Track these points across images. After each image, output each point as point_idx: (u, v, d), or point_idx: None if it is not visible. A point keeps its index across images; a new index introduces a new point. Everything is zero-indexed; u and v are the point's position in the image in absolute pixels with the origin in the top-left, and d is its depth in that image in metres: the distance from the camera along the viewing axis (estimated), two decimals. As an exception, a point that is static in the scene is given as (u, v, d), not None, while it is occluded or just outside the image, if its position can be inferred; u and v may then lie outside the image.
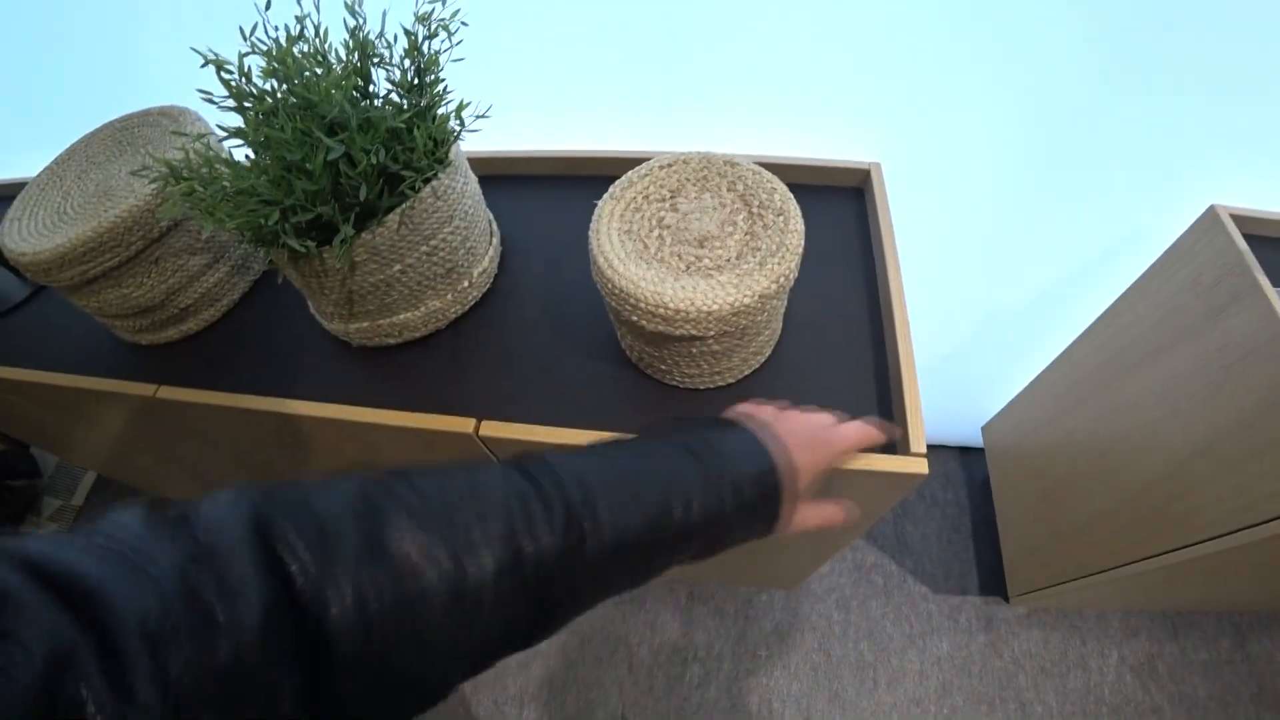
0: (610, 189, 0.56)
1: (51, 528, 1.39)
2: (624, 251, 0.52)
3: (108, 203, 0.65)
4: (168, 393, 0.66)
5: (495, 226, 0.70)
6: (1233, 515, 0.70)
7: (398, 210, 0.53)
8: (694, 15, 0.68)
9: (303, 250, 0.48)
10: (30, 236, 0.66)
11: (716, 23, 0.69)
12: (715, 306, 0.47)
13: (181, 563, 0.23)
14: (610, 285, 0.50)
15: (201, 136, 0.57)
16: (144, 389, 0.67)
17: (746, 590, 1.24)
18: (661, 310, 0.48)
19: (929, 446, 1.33)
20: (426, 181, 0.54)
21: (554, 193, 0.78)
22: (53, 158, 0.73)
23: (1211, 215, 0.75)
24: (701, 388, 0.59)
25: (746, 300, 0.47)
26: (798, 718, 1.11)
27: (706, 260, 0.51)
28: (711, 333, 0.49)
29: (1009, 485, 1.18)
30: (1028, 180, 0.80)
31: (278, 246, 0.52)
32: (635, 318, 0.50)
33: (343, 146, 0.46)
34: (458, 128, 0.54)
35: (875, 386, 0.59)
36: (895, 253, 0.65)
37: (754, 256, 0.50)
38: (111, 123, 0.75)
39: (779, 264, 0.48)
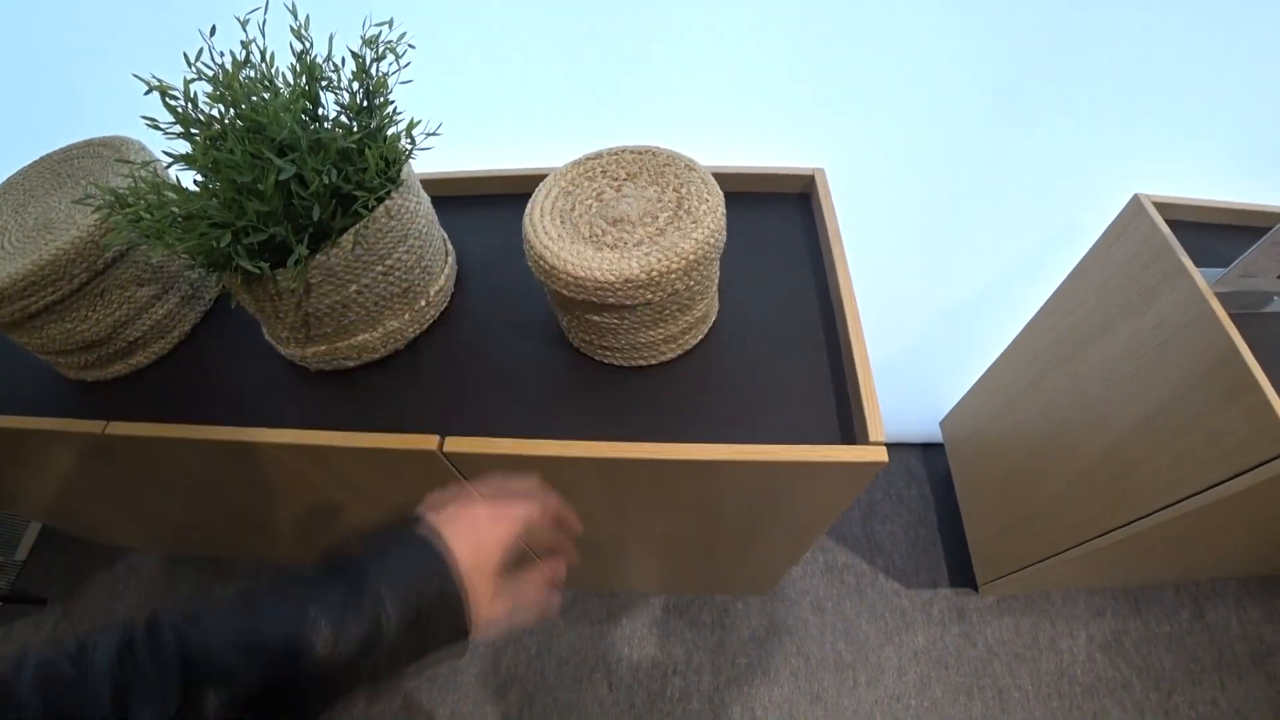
0: (568, 164, 0.60)
1: (-7, 586, 1.31)
2: (554, 225, 0.56)
3: (48, 235, 0.63)
4: (118, 428, 0.64)
5: (450, 245, 0.71)
6: (1174, 486, 0.74)
7: (352, 230, 0.53)
8: (640, 34, 0.71)
9: (256, 272, 0.48)
10: (-34, 273, 0.63)
11: (661, 41, 0.71)
12: (615, 276, 0.51)
13: None
14: (535, 257, 0.54)
15: (147, 164, 0.56)
16: (92, 426, 0.65)
17: (721, 599, 1.24)
18: (577, 280, 0.51)
19: (891, 445, 1.37)
20: (380, 201, 0.55)
21: (507, 211, 0.79)
22: None
23: (1136, 204, 0.80)
24: (645, 364, 0.62)
25: (638, 273, 0.51)
26: (782, 723, 1.11)
27: (609, 238, 0.54)
28: (628, 301, 0.52)
29: (969, 476, 1.21)
30: (964, 181, 0.84)
31: (230, 270, 0.51)
32: (557, 288, 0.53)
33: (294, 167, 0.46)
34: (409, 146, 0.54)
35: (830, 377, 0.61)
36: (843, 250, 0.67)
37: (657, 243, 0.53)
38: (49, 155, 0.73)
39: (678, 249, 0.52)
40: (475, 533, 0.40)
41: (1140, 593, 1.21)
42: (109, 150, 0.71)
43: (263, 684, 0.33)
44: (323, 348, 0.62)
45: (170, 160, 0.52)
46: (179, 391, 0.68)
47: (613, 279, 0.51)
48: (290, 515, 0.86)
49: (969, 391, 1.19)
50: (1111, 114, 0.76)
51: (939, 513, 1.32)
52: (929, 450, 1.40)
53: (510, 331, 0.66)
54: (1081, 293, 0.91)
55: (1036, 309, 1.01)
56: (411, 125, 0.53)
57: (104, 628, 0.34)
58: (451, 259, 0.69)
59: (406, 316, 0.63)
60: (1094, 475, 0.86)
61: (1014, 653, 1.16)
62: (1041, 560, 0.95)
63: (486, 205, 0.79)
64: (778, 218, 0.76)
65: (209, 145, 0.50)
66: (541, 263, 0.53)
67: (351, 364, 0.64)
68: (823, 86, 0.75)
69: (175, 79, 0.51)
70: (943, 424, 1.30)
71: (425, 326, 0.66)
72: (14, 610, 1.30)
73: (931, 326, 1.09)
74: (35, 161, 0.73)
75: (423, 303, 0.64)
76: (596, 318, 0.56)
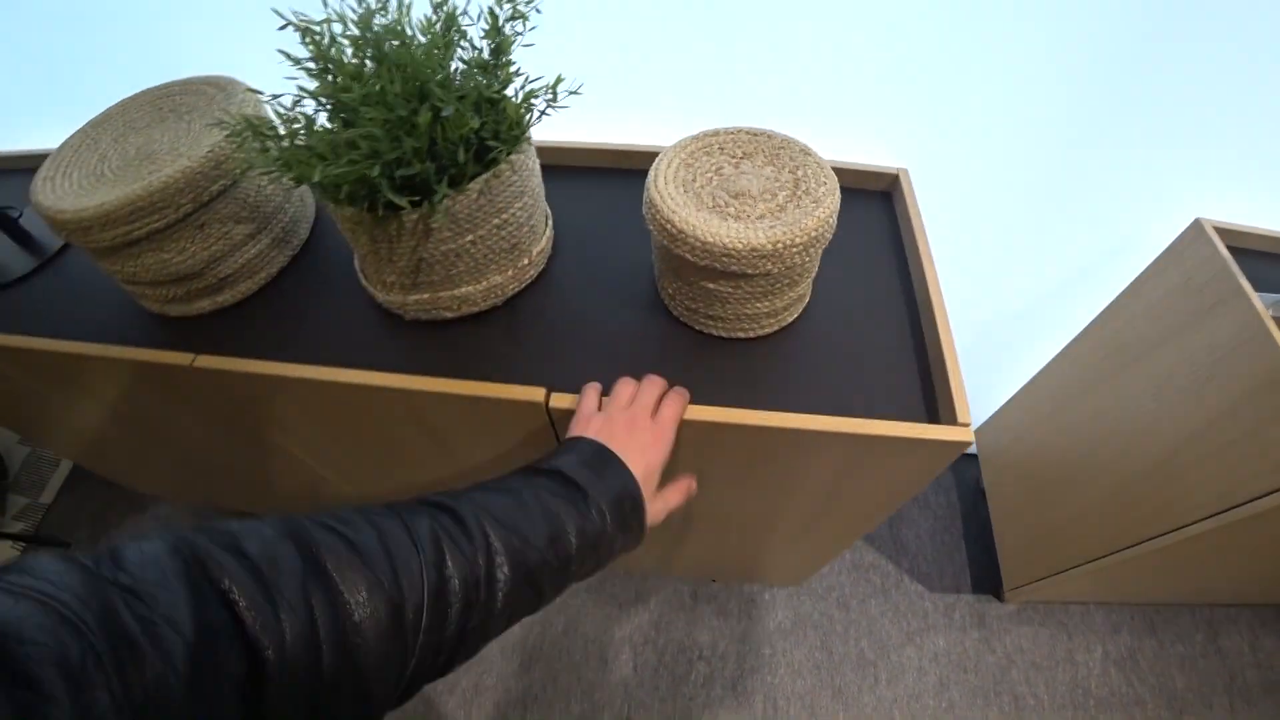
0: (685, 138, 0.62)
1: (18, 526, 1.30)
2: (678, 193, 0.57)
3: (150, 166, 0.64)
4: (207, 361, 0.65)
5: (549, 211, 0.72)
6: (1219, 498, 0.76)
7: (480, 179, 0.54)
8: (733, 28, 0.73)
9: (403, 205, 0.49)
10: (67, 195, 0.63)
11: (756, 33, 0.73)
12: (742, 245, 0.53)
13: (103, 599, 0.23)
14: (662, 222, 0.55)
15: (277, 96, 0.57)
16: (180, 358, 0.65)
17: (749, 589, 1.25)
18: (705, 245, 0.53)
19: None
20: (510, 152, 0.56)
21: (599, 184, 0.80)
22: (66, 129, 0.71)
23: (1197, 227, 0.83)
24: (744, 336, 0.63)
25: (764, 244, 0.52)
26: (802, 714, 1.12)
27: (732, 209, 0.56)
28: (749, 270, 0.54)
29: (1003, 483, 1.24)
30: (1023, 197, 0.87)
31: (370, 204, 0.52)
32: (682, 252, 0.55)
33: (452, 104, 0.47)
34: (548, 102, 0.55)
35: (916, 362, 0.63)
36: (928, 244, 0.70)
37: (779, 218, 0.55)
38: (150, 90, 0.74)
39: (801, 225, 0.53)
40: (645, 455, 0.48)
41: (1156, 613, 1.24)
42: (212, 88, 0.72)
43: (538, 557, 0.39)
44: (426, 296, 0.62)
45: (305, 95, 0.53)
46: (264, 332, 0.68)
47: (740, 247, 0.52)
48: (351, 467, 0.87)
49: (1008, 402, 1.21)
50: (1178, 139, 0.78)
51: (965, 521, 1.34)
52: (960, 460, 1.42)
53: (607, 296, 0.67)
54: (1134, 311, 0.93)
55: (1083, 325, 1.03)
56: (558, 81, 0.54)
57: (395, 504, 0.38)
58: (551, 223, 0.71)
59: (510, 273, 0.64)
60: (1135, 485, 0.88)
61: (1031, 661, 1.18)
62: (1074, 567, 0.97)
63: (578, 178, 0.80)
64: (861, 212, 0.78)
65: (351, 83, 0.51)
66: (669, 227, 0.54)
67: (450, 315, 0.65)
68: (904, 94, 0.77)
69: (264, 25, 0.52)
70: (978, 432, 1.32)
71: (525, 285, 0.67)
72: (38, 552, 1.28)
73: (977, 337, 1.12)
74: (134, 95, 0.74)
75: (525, 261, 0.65)
76: (712, 285, 0.57)
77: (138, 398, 0.78)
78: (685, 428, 0.56)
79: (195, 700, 0.23)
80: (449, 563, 0.35)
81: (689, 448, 0.62)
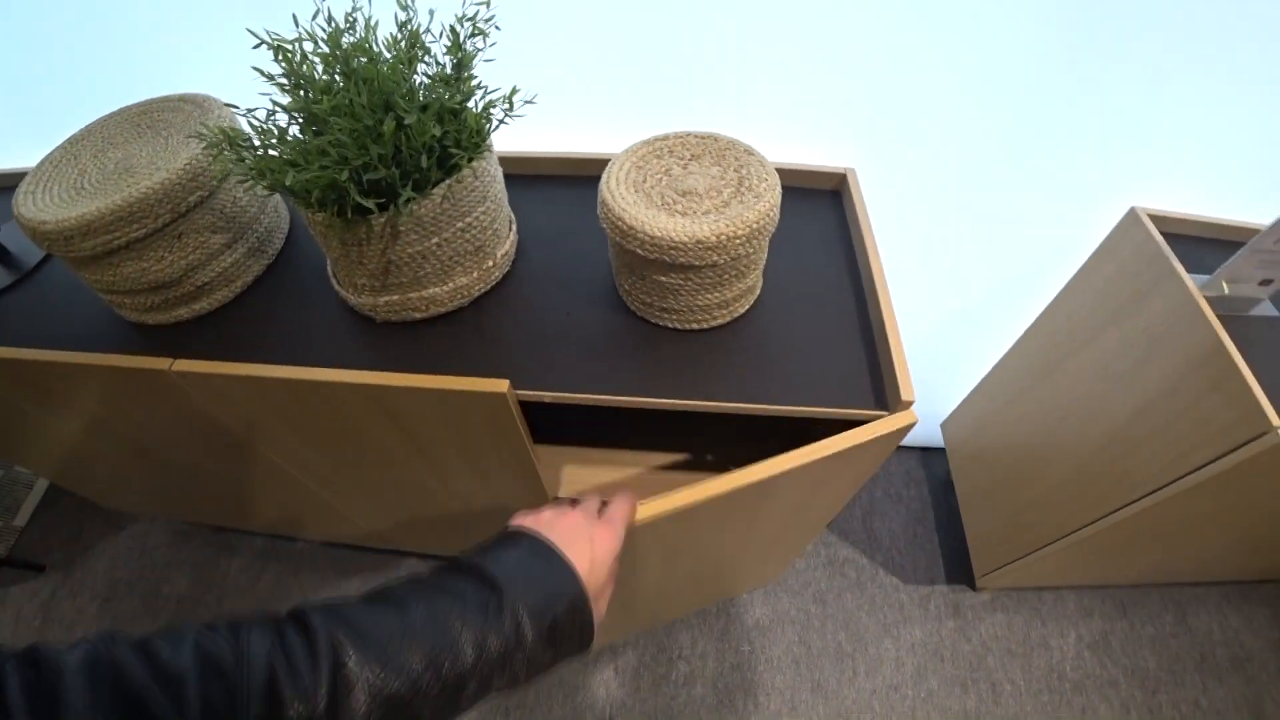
0: (636, 143, 0.66)
1: (-8, 550, 1.29)
2: (629, 192, 0.61)
3: (130, 179, 0.66)
4: (184, 365, 0.67)
5: (513, 216, 0.75)
6: (1165, 469, 0.80)
7: (444, 184, 0.58)
8: (679, 38, 0.78)
9: (370, 208, 0.52)
10: (49, 207, 0.66)
11: (705, 38, 0.78)
12: (688, 238, 0.56)
13: None
14: (614, 219, 0.58)
15: (251, 110, 0.60)
16: (158, 362, 0.67)
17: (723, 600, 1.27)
18: (654, 239, 0.57)
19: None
20: (470, 160, 0.59)
21: (558, 191, 0.84)
22: (39, 150, 0.73)
23: (1132, 215, 0.88)
24: (698, 328, 0.66)
25: (708, 236, 0.56)
26: (783, 709, 1.13)
27: (680, 207, 0.60)
28: (696, 262, 0.57)
29: (970, 472, 1.27)
30: (969, 194, 0.92)
31: (340, 209, 0.55)
32: (633, 247, 0.58)
33: (415, 114, 0.51)
34: (505, 111, 0.59)
35: (862, 346, 0.66)
36: (875, 241, 0.74)
37: (723, 213, 0.59)
38: (129, 107, 0.77)
39: (743, 218, 0.57)
40: (591, 547, 0.43)
41: (1126, 595, 1.27)
42: (189, 105, 0.75)
43: (410, 684, 0.34)
44: (396, 297, 0.65)
45: (278, 109, 0.56)
46: (240, 337, 0.70)
47: (686, 240, 0.56)
48: (330, 472, 0.88)
49: (970, 395, 1.25)
50: (1112, 134, 0.84)
51: (936, 513, 1.37)
52: (928, 454, 1.46)
53: (569, 296, 0.70)
54: (1079, 298, 0.98)
55: (1035, 315, 1.08)
56: (513, 92, 0.58)
57: (245, 618, 0.35)
58: (514, 227, 0.74)
59: (475, 274, 0.67)
60: (1091, 465, 0.92)
61: (1007, 648, 1.20)
62: (1040, 548, 1.00)
63: (541, 185, 0.84)
64: (809, 211, 0.82)
65: (321, 96, 0.55)
66: (620, 224, 0.58)
67: (419, 316, 0.68)
68: (845, 95, 0.82)
69: (239, 45, 0.55)
70: (944, 425, 1.36)
71: (490, 286, 0.70)
72: (11, 576, 1.28)
73: (934, 333, 1.16)
74: (114, 112, 0.77)
75: (490, 263, 0.69)
76: (664, 278, 0.60)
77: (117, 407, 0.80)
78: (659, 522, 0.58)
79: None
80: (282, 691, 0.31)
81: (662, 536, 0.65)
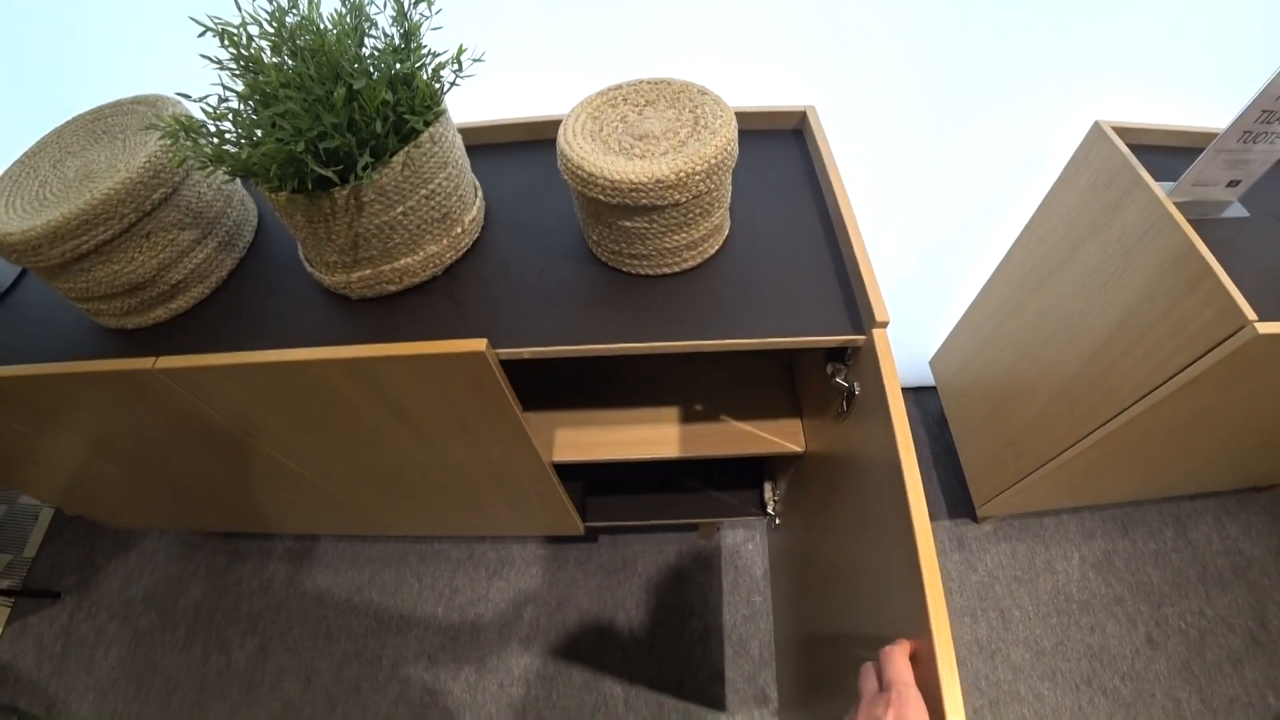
0: (590, 95, 0.66)
1: (4, 583, 1.30)
2: (586, 142, 0.61)
3: (91, 184, 0.66)
4: (168, 362, 0.67)
5: (478, 183, 0.75)
6: (1149, 377, 0.81)
7: (402, 151, 0.58)
8: None
9: (330, 176, 0.52)
10: (13, 220, 0.66)
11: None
12: (647, 178, 0.56)
13: None
14: (574, 169, 0.59)
15: (205, 98, 0.60)
16: (142, 363, 0.68)
17: (732, 542, 1.29)
18: (614, 184, 0.57)
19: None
20: (427, 125, 0.59)
21: (522, 156, 0.84)
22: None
23: (1097, 130, 0.88)
24: (669, 272, 0.67)
25: (668, 174, 0.56)
26: (800, 655, 1.15)
27: (638, 150, 0.60)
28: (659, 202, 0.58)
29: (961, 406, 1.28)
30: (930, 124, 0.92)
31: (299, 184, 0.55)
32: (594, 194, 0.58)
33: (364, 79, 0.51)
34: (453, 74, 0.59)
35: (835, 276, 0.67)
36: (838, 172, 0.74)
37: (681, 151, 0.59)
38: (81, 115, 0.76)
39: (700, 154, 0.57)
40: None
41: (1126, 515, 1.29)
42: (143, 106, 0.75)
43: None
44: (368, 271, 0.66)
45: (230, 92, 0.56)
46: (221, 332, 0.71)
47: (645, 180, 0.56)
48: (327, 460, 0.89)
49: (955, 328, 1.26)
50: (1070, 49, 0.84)
51: (933, 451, 1.38)
52: (920, 393, 1.47)
53: (540, 254, 0.71)
54: (1052, 218, 0.98)
55: (1010, 242, 1.08)
56: (460, 51, 0.58)
57: None
58: (480, 194, 0.74)
59: (445, 242, 0.68)
60: (1077, 381, 0.93)
61: (1013, 576, 1.22)
62: (1035, 469, 1.02)
63: (500, 153, 0.84)
64: (773, 152, 0.82)
65: (271, 72, 0.55)
66: (580, 172, 0.58)
67: (394, 288, 0.68)
68: (798, 31, 0.82)
69: (185, 40, 0.55)
70: (932, 363, 1.37)
71: (461, 254, 0.71)
72: (28, 606, 1.29)
73: (912, 270, 1.16)
74: (67, 122, 0.76)
75: (458, 230, 0.69)
76: (629, 223, 0.61)
77: (108, 416, 0.80)
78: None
79: None
80: None
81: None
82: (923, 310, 1.24)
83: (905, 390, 1.48)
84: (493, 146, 0.84)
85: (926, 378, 1.40)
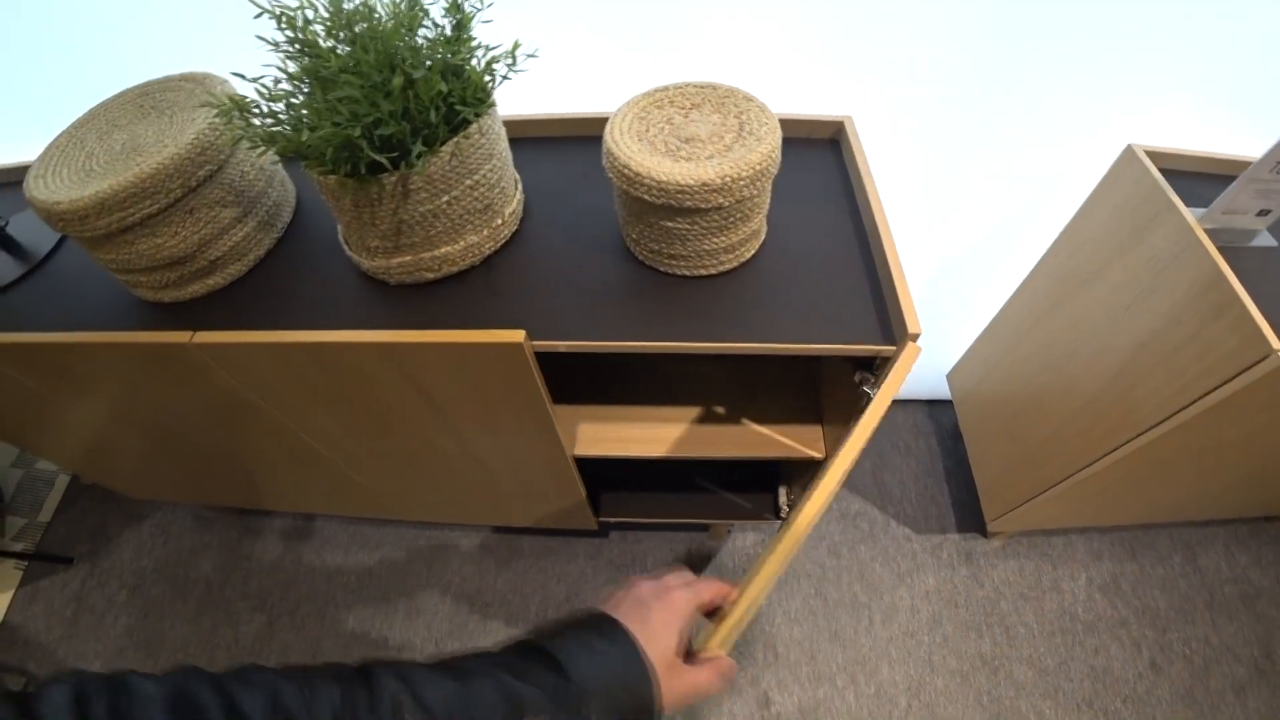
0: (637, 95, 0.66)
1: (18, 546, 1.32)
2: (633, 142, 0.61)
3: (138, 157, 0.67)
4: (205, 337, 0.68)
5: (518, 176, 0.76)
6: (1170, 400, 0.81)
7: (452, 141, 0.59)
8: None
9: (384, 163, 0.53)
10: (61, 189, 0.67)
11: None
12: (694, 181, 0.57)
13: None
14: (620, 167, 0.59)
15: (259, 79, 0.61)
16: (179, 337, 0.69)
17: (742, 544, 1.29)
18: (660, 184, 0.58)
19: (898, 401, 1.45)
20: (477, 116, 0.60)
21: (562, 151, 0.84)
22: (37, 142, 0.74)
23: (1129, 153, 0.88)
24: (706, 274, 0.68)
25: (713, 178, 0.57)
26: (803, 659, 1.16)
27: (683, 152, 0.61)
28: (702, 205, 0.58)
29: (977, 420, 1.29)
30: (964, 140, 0.92)
31: (351, 168, 0.56)
32: (640, 194, 0.59)
33: (423, 70, 0.52)
34: (506, 67, 0.60)
35: (868, 286, 0.67)
36: (875, 184, 0.74)
37: (726, 156, 0.60)
38: (129, 89, 0.77)
39: (746, 160, 0.58)
40: (653, 629, 0.41)
41: (1135, 538, 1.29)
42: (190, 83, 0.76)
43: None
44: (408, 258, 0.67)
45: (285, 75, 0.57)
46: (255, 310, 0.72)
47: (691, 182, 0.57)
48: (350, 442, 0.90)
49: (974, 342, 1.27)
50: (1106, 71, 0.84)
51: (945, 464, 1.39)
52: (934, 406, 1.47)
53: (577, 249, 0.71)
54: (1079, 238, 0.99)
55: (1034, 260, 1.09)
56: (515, 47, 0.58)
57: (315, 668, 0.36)
58: (520, 187, 0.75)
59: (485, 233, 0.69)
60: (1096, 402, 0.94)
61: (1019, 592, 1.22)
62: (1050, 487, 1.02)
63: (542, 146, 0.85)
64: (808, 160, 0.83)
65: (331, 57, 0.55)
66: (626, 171, 0.59)
67: (432, 276, 0.69)
68: (838, 43, 0.83)
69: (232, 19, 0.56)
70: (949, 376, 1.37)
71: (500, 245, 0.71)
72: (40, 570, 1.30)
73: (934, 285, 1.17)
74: (115, 95, 0.77)
75: (499, 221, 0.70)
76: (671, 224, 0.61)
77: (138, 387, 0.81)
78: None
79: None
80: None
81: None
82: (942, 323, 1.25)
83: (919, 402, 1.48)
84: (531, 140, 0.85)
85: (941, 391, 1.41)
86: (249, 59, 0.58)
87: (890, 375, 0.59)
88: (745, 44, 0.84)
